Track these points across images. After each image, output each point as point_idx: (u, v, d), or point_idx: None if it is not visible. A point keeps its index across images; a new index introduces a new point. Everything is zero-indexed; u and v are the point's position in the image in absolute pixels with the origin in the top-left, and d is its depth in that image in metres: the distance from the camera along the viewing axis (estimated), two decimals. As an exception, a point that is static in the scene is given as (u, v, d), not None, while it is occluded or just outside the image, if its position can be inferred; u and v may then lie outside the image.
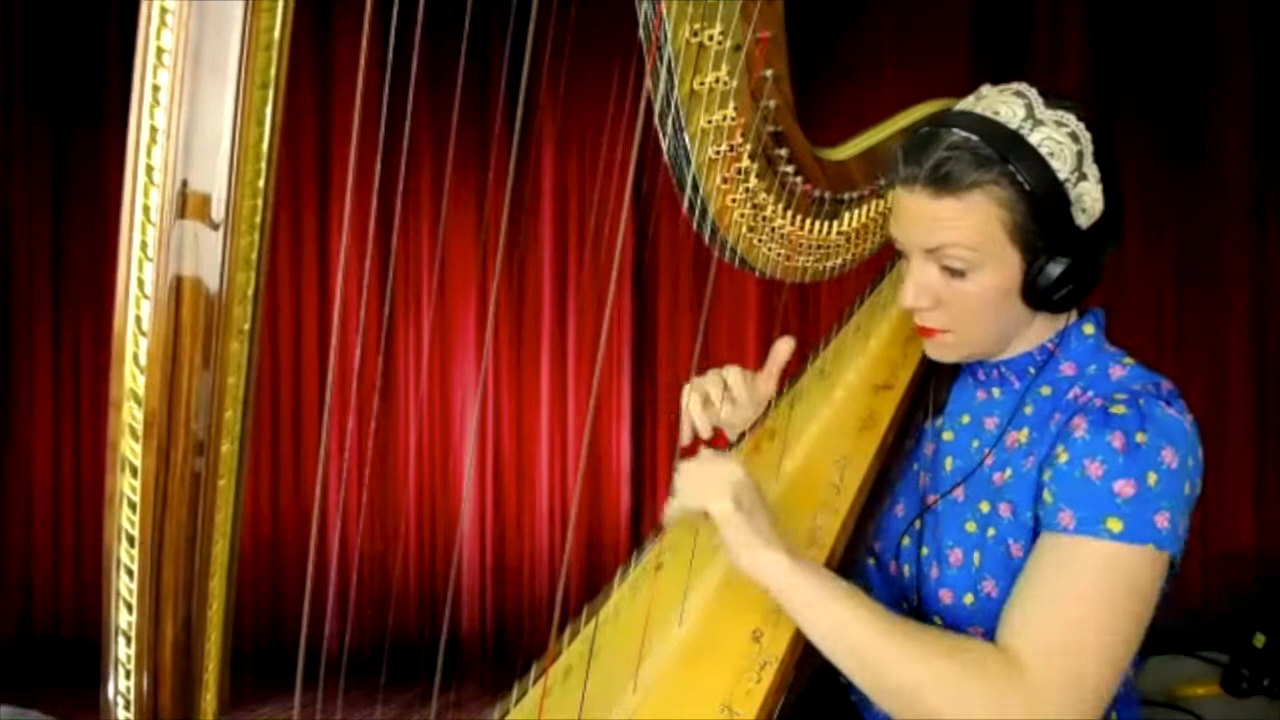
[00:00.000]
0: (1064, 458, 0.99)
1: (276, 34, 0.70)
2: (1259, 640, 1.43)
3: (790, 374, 1.28)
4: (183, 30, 0.68)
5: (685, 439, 1.13)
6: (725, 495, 0.97)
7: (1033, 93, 1.02)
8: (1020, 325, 1.07)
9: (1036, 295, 1.02)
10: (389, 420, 2.88)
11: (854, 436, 1.15)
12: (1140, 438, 0.95)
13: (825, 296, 2.69)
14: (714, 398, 1.15)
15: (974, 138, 0.99)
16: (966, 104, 1.05)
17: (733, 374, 1.18)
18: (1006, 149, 0.98)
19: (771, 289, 2.78)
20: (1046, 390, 1.07)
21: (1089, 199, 1.01)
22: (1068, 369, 1.07)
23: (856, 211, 1.15)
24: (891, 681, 0.94)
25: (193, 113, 0.69)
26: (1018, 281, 1.02)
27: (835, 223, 1.13)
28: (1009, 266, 1.02)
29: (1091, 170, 1.01)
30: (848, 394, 1.22)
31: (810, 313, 2.78)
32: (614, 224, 2.87)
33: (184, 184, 0.69)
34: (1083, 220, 1.01)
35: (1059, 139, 1.00)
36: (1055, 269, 1.01)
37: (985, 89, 1.05)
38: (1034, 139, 0.99)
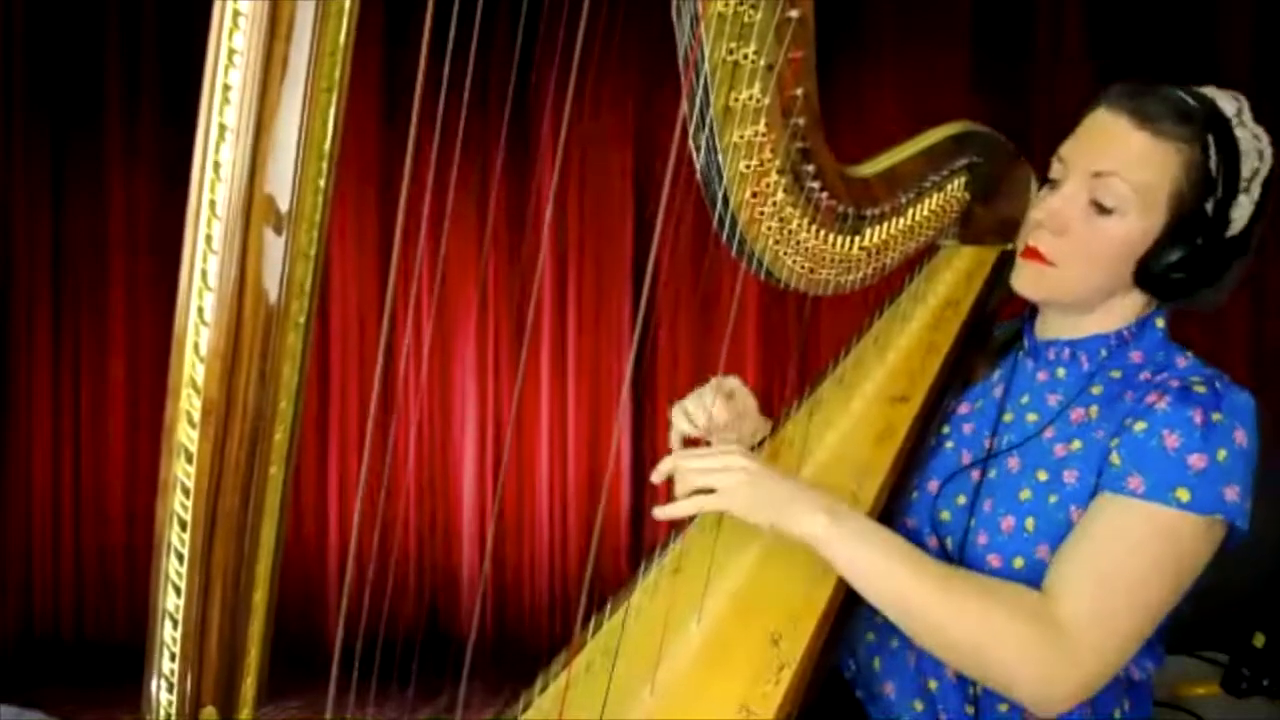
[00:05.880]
0: (1141, 426, 1.01)
1: (342, 39, 0.73)
2: (1259, 640, 1.44)
3: (810, 383, 1.30)
4: (255, 33, 0.70)
5: (675, 445, 1.19)
6: (732, 472, 1.01)
7: (1245, 102, 1.08)
8: (1114, 294, 1.10)
9: (1148, 269, 1.06)
10: (389, 421, 2.88)
11: (872, 447, 1.17)
12: (1216, 416, 0.99)
13: (839, 311, 2.69)
14: (698, 418, 1.21)
15: (1193, 101, 1.04)
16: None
17: (722, 388, 1.24)
18: (1214, 124, 1.04)
19: (774, 297, 2.78)
20: (1116, 374, 1.10)
21: (1240, 214, 1.05)
22: (1136, 357, 1.10)
23: (878, 228, 1.18)
24: (933, 622, 0.99)
25: (261, 112, 0.71)
26: (1144, 248, 1.05)
27: (858, 238, 1.16)
28: (1149, 229, 1.05)
29: (1255, 192, 1.05)
30: (865, 405, 1.24)
31: (823, 326, 2.78)
32: (615, 227, 2.89)
33: (250, 180, 0.71)
34: (1228, 230, 1.05)
35: (1253, 147, 1.05)
36: (1178, 253, 1.04)
37: (1202, 88, 1.09)
38: (1238, 133, 1.05)
